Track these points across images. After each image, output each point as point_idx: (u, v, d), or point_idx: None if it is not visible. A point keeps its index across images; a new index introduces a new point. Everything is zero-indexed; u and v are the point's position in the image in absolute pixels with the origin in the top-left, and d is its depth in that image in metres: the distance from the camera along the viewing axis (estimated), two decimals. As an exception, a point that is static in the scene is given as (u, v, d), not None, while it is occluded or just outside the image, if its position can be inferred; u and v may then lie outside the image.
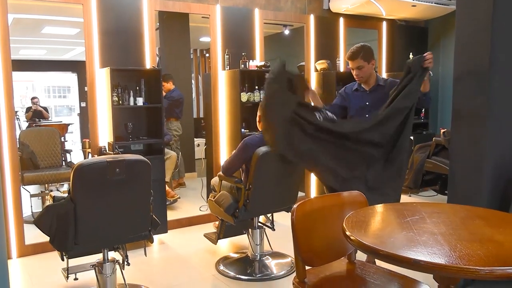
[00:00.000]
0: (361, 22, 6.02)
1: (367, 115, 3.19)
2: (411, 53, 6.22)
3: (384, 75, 6.19)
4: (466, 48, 2.71)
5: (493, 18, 2.50)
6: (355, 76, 3.25)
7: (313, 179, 5.63)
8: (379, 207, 2.14)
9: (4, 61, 3.74)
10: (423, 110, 6.34)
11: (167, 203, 4.77)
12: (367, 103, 3.21)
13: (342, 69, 5.65)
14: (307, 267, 2.04)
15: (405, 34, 6.46)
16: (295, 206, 2.00)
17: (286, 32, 6.79)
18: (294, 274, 2.06)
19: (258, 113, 3.46)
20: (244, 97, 4.72)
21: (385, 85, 3.21)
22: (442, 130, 4.96)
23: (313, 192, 5.66)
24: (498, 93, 2.56)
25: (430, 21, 6.68)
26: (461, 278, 1.87)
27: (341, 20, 5.78)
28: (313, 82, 5.59)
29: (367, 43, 3.27)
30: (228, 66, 4.80)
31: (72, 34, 7.60)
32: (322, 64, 5.47)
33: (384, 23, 6.19)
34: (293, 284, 2.02)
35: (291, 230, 1.97)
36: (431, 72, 2.87)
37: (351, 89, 3.36)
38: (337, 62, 5.65)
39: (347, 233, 1.65)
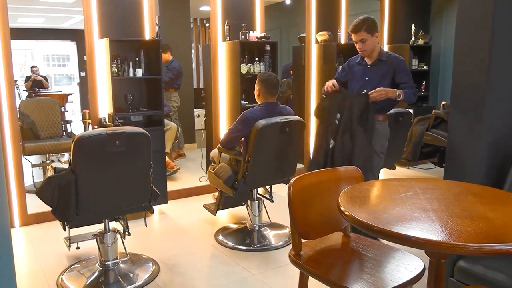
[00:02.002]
0: (364, -8, 5.93)
1: (365, 90, 3.19)
2: (413, 25, 6.20)
3: (385, 46, 6.13)
4: (467, 21, 2.68)
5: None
6: (358, 50, 3.23)
7: (312, 151, 5.66)
8: (375, 183, 2.17)
9: (2, 29, 3.70)
10: (423, 83, 6.31)
11: (167, 174, 4.82)
12: (366, 78, 3.21)
13: (343, 41, 5.60)
14: (303, 240, 2.09)
15: (408, 5, 6.36)
16: (291, 181, 2.03)
17: (287, 1, 6.69)
18: (291, 245, 2.11)
19: (256, 86, 3.47)
20: (244, 68, 4.70)
21: (387, 61, 3.19)
22: (442, 103, 4.96)
23: (312, 164, 5.70)
24: (499, 67, 2.55)
25: (433, -8, 6.58)
26: (451, 253, 1.92)
27: (343, -10, 5.69)
28: (314, 54, 5.55)
29: (370, 15, 3.23)
30: (228, 37, 4.76)
31: (70, 2, 7.50)
32: (323, 36, 5.42)
33: (387, -6, 6.10)
34: (289, 256, 2.08)
35: (288, 204, 2.00)
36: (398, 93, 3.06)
37: (355, 61, 3.35)
38: (338, 33, 5.59)
39: (342, 208, 1.69)
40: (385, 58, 3.20)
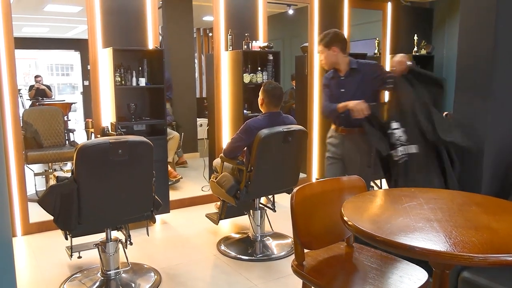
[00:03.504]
0: (366, 2, 5.95)
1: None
2: (415, 35, 6.22)
3: (387, 56, 6.15)
4: (470, 31, 2.69)
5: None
6: None
7: (314, 160, 5.65)
8: (378, 193, 2.16)
9: (6, 38, 3.73)
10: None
11: (169, 183, 4.81)
12: (342, 90, 3.18)
13: (345, 50, 5.60)
14: (305, 250, 2.08)
15: (410, 15, 6.39)
16: (294, 190, 2.03)
17: (290, 12, 6.73)
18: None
19: (260, 95, 3.47)
20: (247, 78, 4.71)
21: (360, 68, 3.17)
22: (445, 113, 4.95)
23: (315, 173, 5.69)
24: (502, 77, 2.55)
25: (435, 2, 6.60)
26: (455, 264, 1.90)
27: (346, 0, 5.71)
28: (316, 63, 5.56)
29: (336, 29, 3.26)
30: (231, 47, 4.78)
31: (75, 12, 7.55)
32: (325, 45, 5.43)
33: (389, 4, 6.12)
34: (291, 266, 2.07)
35: (291, 214, 1.99)
36: None
37: (329, 76, 3.33)
38: (340, 43, 5.60)
39: (345, 218, 1.68)
40: (356, 66, 3.17)
